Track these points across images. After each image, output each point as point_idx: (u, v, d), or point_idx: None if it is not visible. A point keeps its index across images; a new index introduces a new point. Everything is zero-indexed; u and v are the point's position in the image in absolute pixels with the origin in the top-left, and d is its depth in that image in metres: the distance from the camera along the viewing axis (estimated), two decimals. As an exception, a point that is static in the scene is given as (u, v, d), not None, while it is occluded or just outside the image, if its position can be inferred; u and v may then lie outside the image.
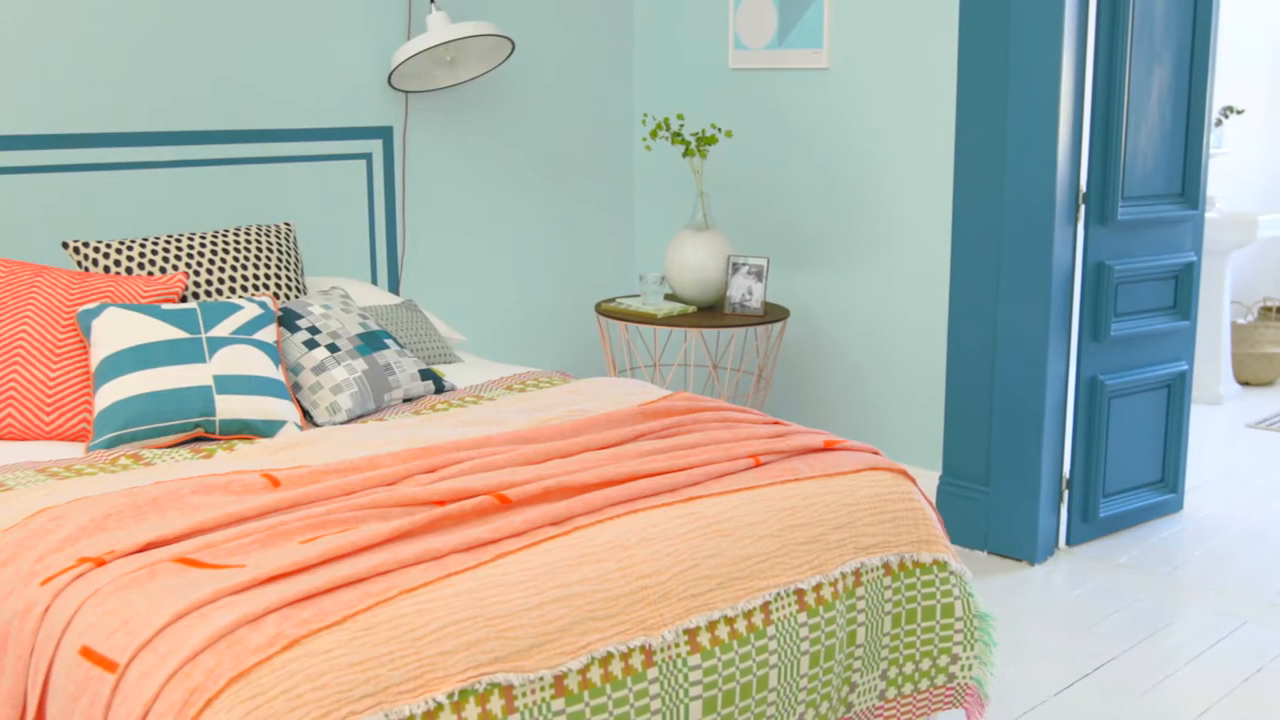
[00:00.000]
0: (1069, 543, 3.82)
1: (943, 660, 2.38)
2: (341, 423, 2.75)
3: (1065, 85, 3.47)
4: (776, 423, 2.57)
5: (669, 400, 2.68)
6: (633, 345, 4.27)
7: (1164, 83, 3.74)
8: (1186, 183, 3.88)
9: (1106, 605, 3.40)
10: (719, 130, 3.93)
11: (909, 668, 2.35)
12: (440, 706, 1.69)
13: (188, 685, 1.58)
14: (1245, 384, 5.91)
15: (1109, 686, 2.94)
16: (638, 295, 4.11)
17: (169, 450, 2.51)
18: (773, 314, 3.92)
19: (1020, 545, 3.70)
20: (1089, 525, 3.84)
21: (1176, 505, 4.11)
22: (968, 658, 2.39)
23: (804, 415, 4.27)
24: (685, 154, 3.87)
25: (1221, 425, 5.24)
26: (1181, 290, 3.94)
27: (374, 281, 3.98)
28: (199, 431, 2.59)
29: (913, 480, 2.43)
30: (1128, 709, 2.83)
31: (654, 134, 3.86)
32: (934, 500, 3.89)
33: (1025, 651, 3.12)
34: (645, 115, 3.99)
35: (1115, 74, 3.59)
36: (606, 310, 3.95)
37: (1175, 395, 3.99)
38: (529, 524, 1.98)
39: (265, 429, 2.62)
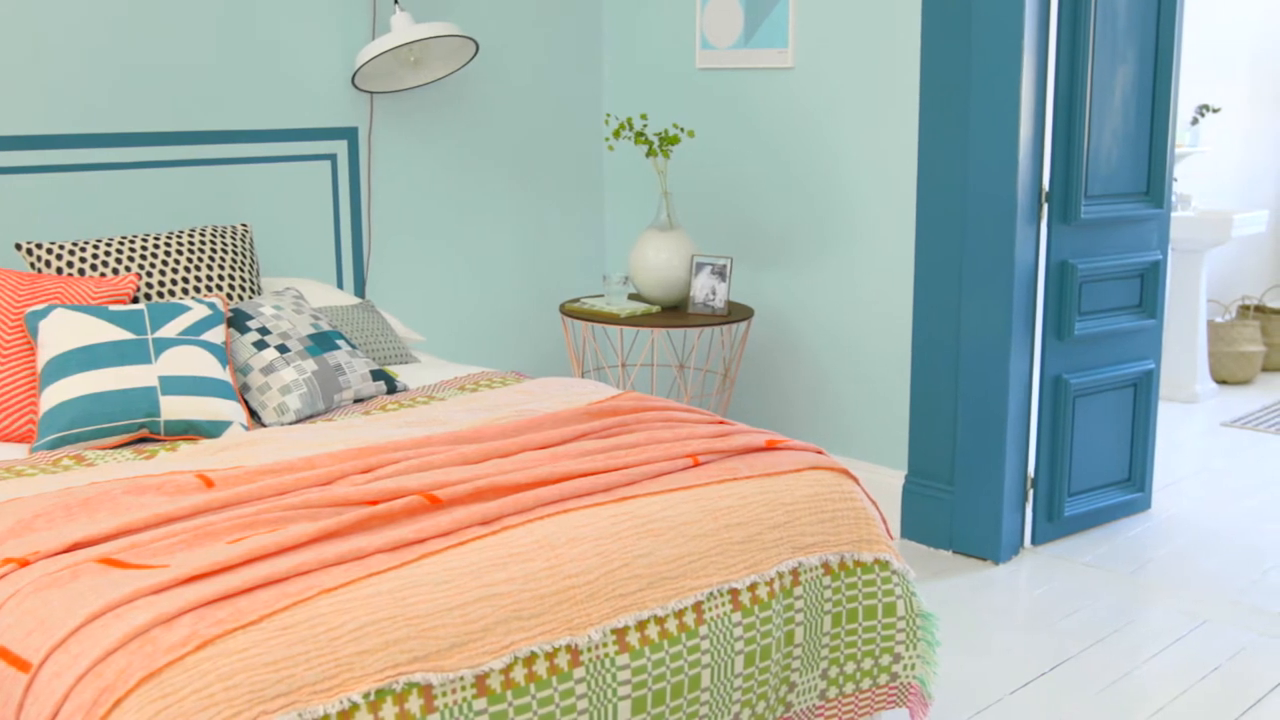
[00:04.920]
0: (1034, 542, 3.81)
1: (885, 659, 2.37)
2: (290, 423, 2.75)
3: (1026, 84, 3.47)
4: (721, 422, 2.56)
5: (615, 400, 2.67)
6: (597, 346, 4.27)
7: (1127, 82, 3.73)
8: (1151, 181, 3.87)
9: (1068, 604, 3.40)
10: (681, 130, 3.93)
11: (850, 667, 2.34)
12: (356, 706, 1.68)
13: (98, 685, 1.58)
14: (1222, 382, 5.91)
15: (1064, 685, 2.94)
16: (602, 295, 4.11)
17: (112, 451, 2.51)
18: (737, 313, 3.92)
19: (984, 544, 3.70)
20: (1054, 524, 3.84)
21: (1144, 504, 4.11)
22: (910, 657, 2.39)
23: (769, 415, 4.26)
24: (648, 154, 3.87)
25: (1196, 424, 5.23)
26: (1147, 289, 3.94)
27: (339, 283, 3.98)
28: (144, 432, 2.59)
29: (855, 480, 2.43)
30: (1081, 708, 2.83)
31: (616, 134, 3.86)
32: (899, 500, 3.89)
33: (983, 650, 3.12)
34: (608, 115, 3.98)
35: (1077, 73, 3.59)
36: (570, 310, 3.95)
37: (1142, 394, 3.99)
38: (457, 524, 1.98)
39: (211, 430, 2.62)
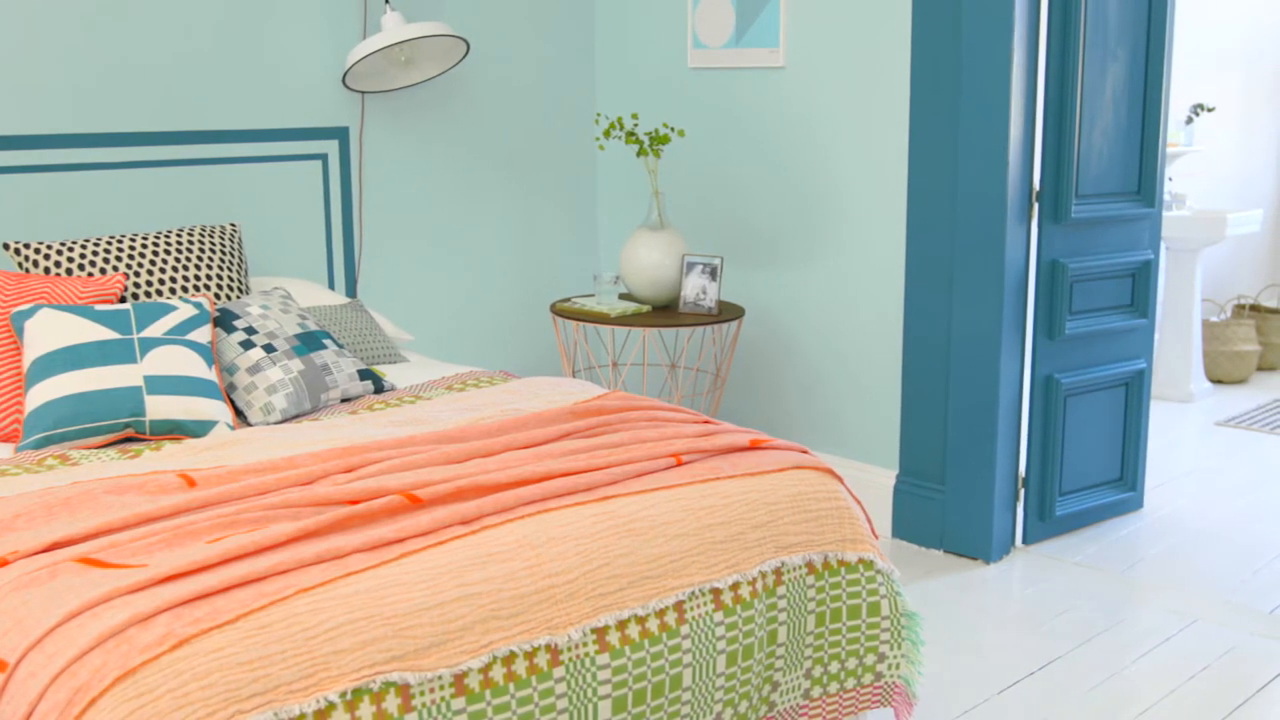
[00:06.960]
0: (1025, 541, 3.81)
1: (869, 659, 2.37)
2: (276, 423, 2.74)
3: (1016, 83, 3.46)
4: (707, 421, 2.56)
5: (601, 399, 2.67)
6: (588, 345, 4.26)
7: (1119, 81, 3.73)
8: (1143, 181, 3.87)
9: (1058, 604, 3.40)
10: (672, 129, 3.93)
11: (834, 666, 2.34)
12: (333, 705, 1.68)
13: (73, 684, 1.57)
14: (1218, 382, 5.90)
15: (1053, 685, 2.93)
16: (593, 295, 4.11)
17: (96, 451, 2.51)
18: (727, 312, 3.91)
19: (975, 544, 3.69)
20: (1045, 524, 3.83)
21: (1136, 503, 4.10)
22: (895, 656, 2.38)
23: (761, 414, 4.26)
24: (639, 153, 3.87)
25: (1191, 423, 5.23)
26: (1139, 288, 3.93)
27: (330, 283, 3.98)
28: (129, 432, 2.59)
29: (839, 479, 2.42)
30: (1069, 707, 2.83)
31: (607, 134, 3.85)
32: (890, 499, 3.89)
33: (972, 650, 3.11)
34: (599, 115, 3.98)
35: (1068, 72, 3.58)
36: (561, 310, 3.95)
37: (1134, 393, 3.98)
38: (437, 523, 1.98)
39: (196, 429, 2.62)
